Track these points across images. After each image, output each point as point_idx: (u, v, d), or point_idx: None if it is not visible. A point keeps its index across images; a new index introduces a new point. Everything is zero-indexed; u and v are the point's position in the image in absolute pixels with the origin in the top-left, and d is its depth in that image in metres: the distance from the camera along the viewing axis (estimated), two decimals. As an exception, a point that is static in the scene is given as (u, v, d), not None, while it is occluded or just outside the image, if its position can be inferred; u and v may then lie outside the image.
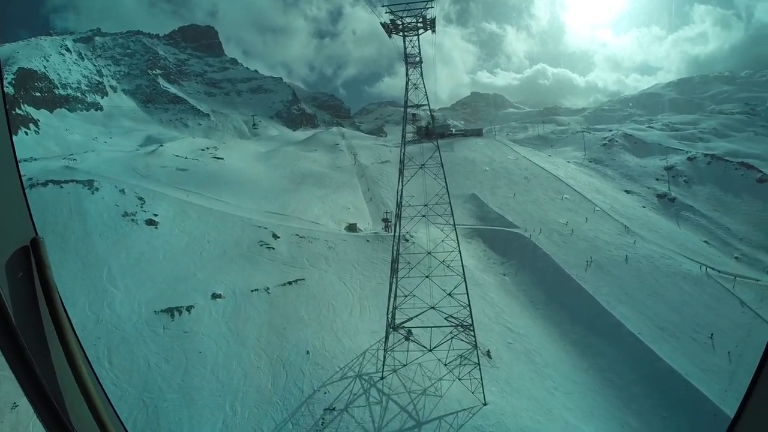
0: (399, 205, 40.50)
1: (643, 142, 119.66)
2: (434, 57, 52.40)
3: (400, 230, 40.79)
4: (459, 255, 40.23)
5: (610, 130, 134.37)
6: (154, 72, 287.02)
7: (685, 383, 39.92)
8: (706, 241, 74.38)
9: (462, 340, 39.49)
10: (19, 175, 2.37)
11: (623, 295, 54.01)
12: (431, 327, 41.20)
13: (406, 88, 40.52)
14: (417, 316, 41.22)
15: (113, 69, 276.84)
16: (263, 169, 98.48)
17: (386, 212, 69.68)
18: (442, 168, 40.98)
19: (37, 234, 2.39)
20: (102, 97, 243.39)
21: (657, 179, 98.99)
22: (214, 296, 46.73)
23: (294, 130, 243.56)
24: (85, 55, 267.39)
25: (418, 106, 41.48)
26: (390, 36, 40.23)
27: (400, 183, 40.45)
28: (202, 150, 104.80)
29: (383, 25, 39.29)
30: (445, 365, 38.96)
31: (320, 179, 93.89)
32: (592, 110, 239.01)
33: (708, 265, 60.10)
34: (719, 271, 58.86)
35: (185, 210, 63.87)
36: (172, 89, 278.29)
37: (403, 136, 41.80)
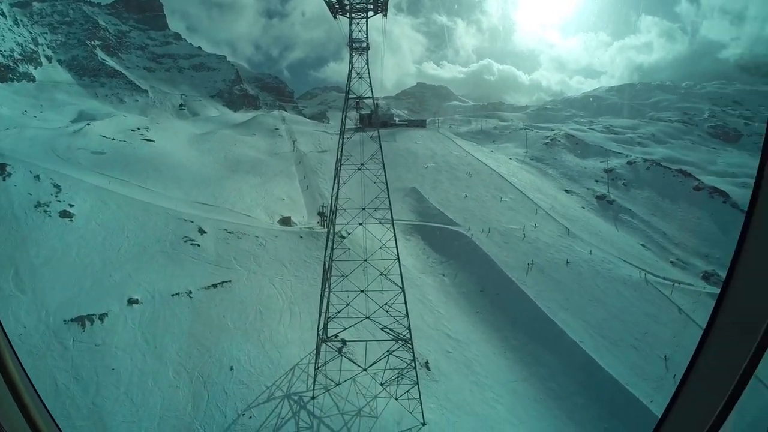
0: (333, 210, 35.98)
1: (584, 143, 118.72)
2: (383, 43, 47.37)
3: (333, 240, 36.15)
4: (399, 266, 36.00)
5: (552, 129, 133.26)
6: (92, 43, 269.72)
7: (626, 393, 38.72)
8: (643, 245, 73.26)
9: (398, 357, 35.42)
10: None
11: (565, 300, 51.92)
12: (366, 341, 37.03)
13: (349, 76, 36.20)
14: (352, 326, 37.10)
15: (49, 38, 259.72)
16: (196, 153, 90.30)
17: (322, 205, 64.21)
18: (383, 164, 36.74)
19: None
20: (35, 68, 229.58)
21: (596, 181, 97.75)
22: (131, 302, 41.04)
23: (235, 111, 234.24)
24: (21, 21, 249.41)
25: (360, 98, 37.04)
26: (335, 17, 35.53)
27: (336, 185, 35.85)
28: (132, 131, 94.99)
29: (328, 3, 34.47)
30: (381, 384, 34.87)
31: (256, 166, 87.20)
32: (535, 108, 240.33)
33: (646, 270, 59.28)
34: (657, 276, 58.11)
35: (105, 200, 56.90)
36: (111, 62, 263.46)
37: (342, 132, 37.32)
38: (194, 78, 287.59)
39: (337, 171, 35.95)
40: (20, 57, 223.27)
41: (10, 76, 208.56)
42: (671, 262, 69.76)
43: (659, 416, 2.96)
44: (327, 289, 35.77)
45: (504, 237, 63.88)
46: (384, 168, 36.50)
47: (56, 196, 54.91)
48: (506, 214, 72.06)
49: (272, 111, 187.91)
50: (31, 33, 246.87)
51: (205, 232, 53.79)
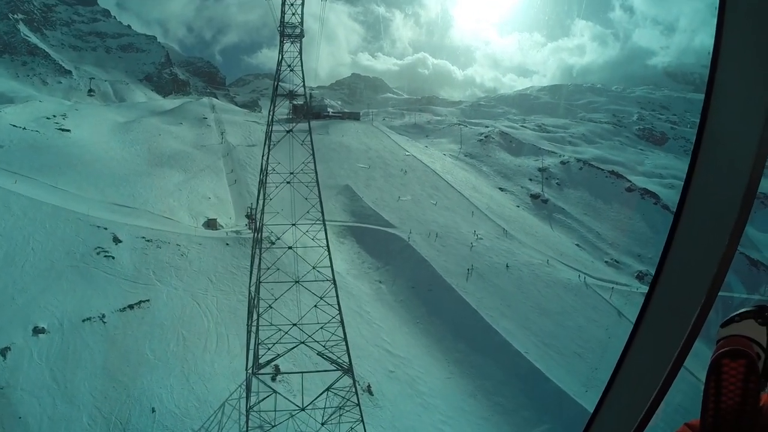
0: (263, 182, 31.53)
1: (518, 141, 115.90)
2: (320, 30, 42.01)
3: (259, 272, 30.90)
4: (330, 260, 31.95)
5: (486, 126, 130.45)
6: (15, 16, 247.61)
7: (576, 405, 36.79)
8: (578, 245, 71.88)
9: (337, 392, 30.98)
10: None
11: (506, 308, 49.69)
12: (302, 372, 32.27)
13: (278, 66, 32.10)
14: (286, 352, 32.27)
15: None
16: (117, 145, 79.89)
17: (250, 207, 57.23)
18: (315, 164, 32.88)
19: None
20: None
21: (530, 179, 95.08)
22: (36, 331, 35.20)
23: (164, 97, 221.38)
24: None
25: (291, 94, 32.39)
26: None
27: (261, 199, 30.95)
28: (48, 118, 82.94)
29: None
30: (322, 424, 30.34)
31: (181, 161, 78.38)
32: (468, 104, 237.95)
33: (584, 272, 57.89)
34: (595, 278, 57.09)
35: (8, 204, 48.80)
36: (34, 38, 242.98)
37: (268, 137, 32.30)
38: (122, 59, 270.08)
39: (263, 183, 31.03)
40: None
41: None
42: (606, 262, 68.43)
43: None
44: (254, 322, 30.70)
45: (442, 240, 60.54)
46: (316, 171, 32.14)
47: (-50, 201, 46.81)
48: (443, 215, 68.58)
49: (202, 98, 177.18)
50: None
51: (120, 241, 47.04)
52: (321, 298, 31.89)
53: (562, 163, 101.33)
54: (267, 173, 31.52)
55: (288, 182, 32.28)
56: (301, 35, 31.59)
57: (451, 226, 64.64)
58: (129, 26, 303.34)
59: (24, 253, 43.40)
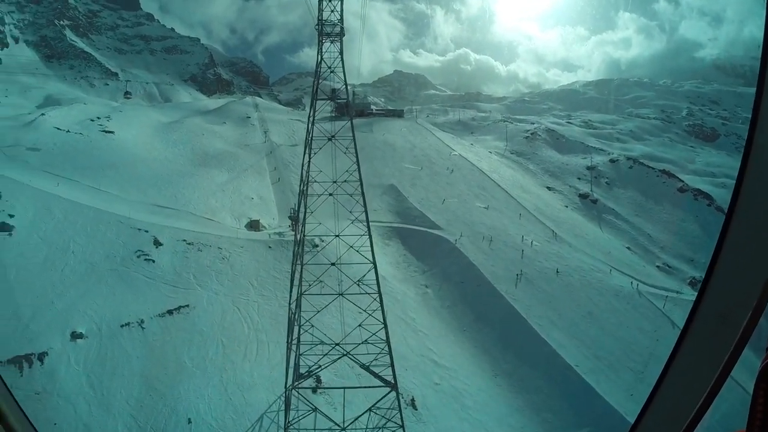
0: (303, 193, 29.76)
1: (565, 138, 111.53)
2: (362, 27, 39.99)
3: (299, 300, 29.00)
4: (375, 271, 29.69)
5: (533, 123, 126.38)
6: (61, 23, 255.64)
7: (628, 425, 32.98)
8: (628, 248, 68.21)
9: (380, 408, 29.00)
10: None
11: (556, 316, 46.82)
12: (344, 388, 30.48)
13: (318, 63, 29.97)
14: (326, 366, 30.46)
15: (17, 17, 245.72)
16: (160, 145, 79.92)
17: (293, 208, 55.82)
18: (360, 175, 30.36)
19: None
20: (1, 49, 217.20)
21: (579, 178, 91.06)
22: (75, 336, 34.31)
23: (208, 97, 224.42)
24: None
25: (334, 91, 30.49)
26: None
27: (303, 212, 29.21)
28: (92, 120, 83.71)
29: None
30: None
31: (224, 160, 77.92)
32: (512, 100, 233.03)
33: (636, 278, 54.64)
34: (647, 285, 53.89)
35: (50, 207, 48.41)
36: (80, 43, 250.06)
37: (312, 115, 30.39)
38: (167, 61, 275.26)
39: (303, 193, 29.16)
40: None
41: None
42: (657, 266, 64.66)
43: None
44: (295, 338, 28.90)
45: (489, 242, 57.95)
46: (361, 182, 30.06)
47: (-5, 204, 46.65)
48: (490, 216, 65.82)
49: (246, 97, 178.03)
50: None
51: (161, 244, 46.11)
52: (369, 314, 29.78)
53: (612, 161, 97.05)
54: (308, 183, 29.62)
55: (330, 194, 30.44)
56: (342, 34, 29.66)
57: (499, 228, 62.00)
58: (172, 29, 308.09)
59: (64, 257, 42.87)
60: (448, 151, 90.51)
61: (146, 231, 47.82)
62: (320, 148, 30.14)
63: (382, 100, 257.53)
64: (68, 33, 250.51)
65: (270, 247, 49.83)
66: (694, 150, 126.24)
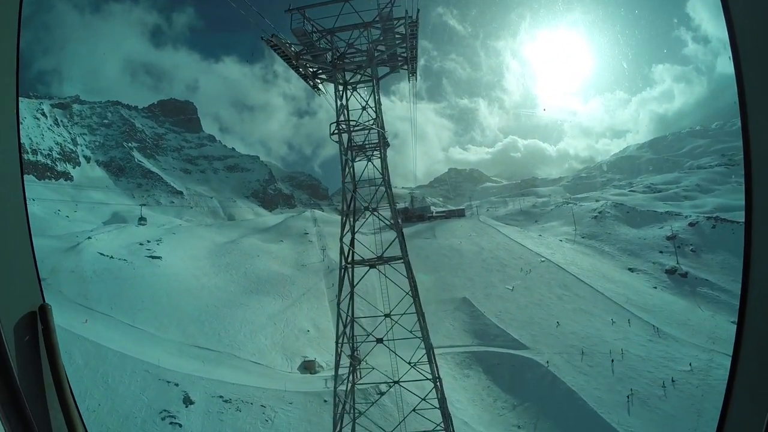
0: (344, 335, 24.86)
1: (635, 210, 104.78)
2: (413, 131, 35.35)
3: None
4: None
5: (597, 200, 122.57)
6: (129, 144, 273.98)
7: None
8: (733, 322, 56.06)
9: None
10: (31, 243, 2.33)
11: None
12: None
13: (345, 178, 24.60)
14: None
15: (88, 138, 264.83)
16: (210, 270, 75.18)
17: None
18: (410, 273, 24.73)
19: (44, 301, 2.30)
20: (74, 167, 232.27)
21: (660, 252, 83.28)
22: None
23: (271, 211, 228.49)
24: (61, 121, 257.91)
25: (373, 210, 25.24)
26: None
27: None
28: (141, 244, 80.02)
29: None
30: None
31: (278, 285, 71.94)
32: (569, 179, 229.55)
33: None
34: None
35: (70, 350, 41.80)
36: (147, 163, 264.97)
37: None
38: (229, 178, 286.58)
39: (345, 334, 22.53)
40: (59, 156, 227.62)
41: (48, 174, 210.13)
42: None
43: None
44: None
45: (587, 357, 49.20)
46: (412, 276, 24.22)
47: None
48: (579, 320, 57.36)
49: (305, 211, 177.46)
50: (70, 133, 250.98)
51: (192, 403, 38.48)
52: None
53: (691, 224, 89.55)
54: (352, 324, 23.96)
55: (380, 341, 25.53)
56: (386, 144, 24.29)
57: (593, 336, 53.27)
58: (233, 148, 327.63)
59: (74, 416, 35.26)
60: (517, 248, 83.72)
61: (176, 384, 40.46)
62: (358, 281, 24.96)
63: (440, 199, 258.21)
64: (136, 154, 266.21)
65: (326, 401, 40.57)
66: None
